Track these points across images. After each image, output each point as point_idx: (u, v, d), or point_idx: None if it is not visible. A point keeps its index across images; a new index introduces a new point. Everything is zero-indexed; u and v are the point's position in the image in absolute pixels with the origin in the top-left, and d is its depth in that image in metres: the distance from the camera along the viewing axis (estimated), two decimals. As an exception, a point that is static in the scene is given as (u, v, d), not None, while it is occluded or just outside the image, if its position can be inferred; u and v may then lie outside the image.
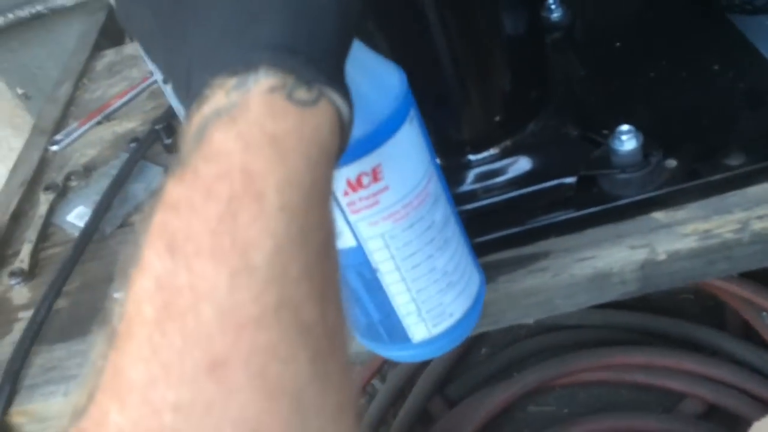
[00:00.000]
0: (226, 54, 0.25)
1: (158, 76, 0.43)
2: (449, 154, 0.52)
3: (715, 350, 0.95)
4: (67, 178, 0.72)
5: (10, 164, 0.77)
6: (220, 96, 0.24)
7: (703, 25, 0.59)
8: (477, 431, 0.94)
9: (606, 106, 0.54)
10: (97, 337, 0.22)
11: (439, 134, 0.50)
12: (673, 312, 1.03)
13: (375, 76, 0.34)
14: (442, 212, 0.39)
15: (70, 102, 0.84)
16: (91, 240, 0.63)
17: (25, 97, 1.14)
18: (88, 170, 0.73)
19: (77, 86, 0.87)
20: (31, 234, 0.66)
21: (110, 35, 0.97)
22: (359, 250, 0.37)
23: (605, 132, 0.49)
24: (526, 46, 0.52)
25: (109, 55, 0.92)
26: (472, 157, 0.52)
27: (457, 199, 0.50)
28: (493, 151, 0.52)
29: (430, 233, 0.38)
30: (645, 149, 0.48)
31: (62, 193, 0.70)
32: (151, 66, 0.44)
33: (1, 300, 0.62)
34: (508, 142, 0.52)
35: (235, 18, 0.25)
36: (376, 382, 1.06)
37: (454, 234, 0.41)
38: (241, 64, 0.24)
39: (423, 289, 0.40)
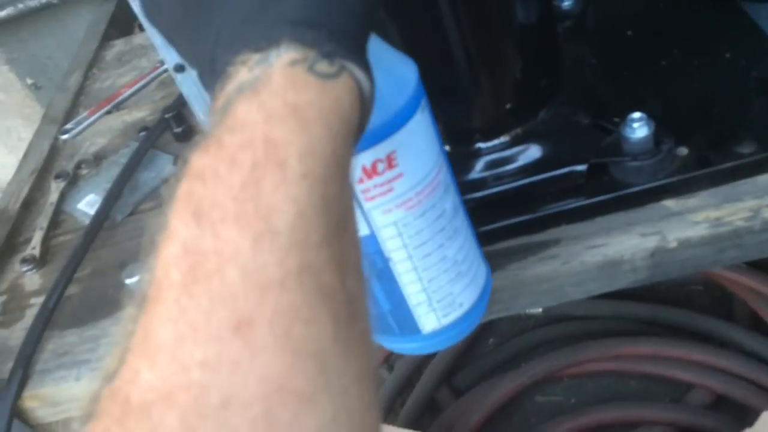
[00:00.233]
0: (250, 32, 0.25)
1: (169, 65, 0.43)
2: (459, 142, 0.52)
3: (724, 341, 0.95)
4: (78, 166, 0.72)
5: (20, 154, 0.77)
6: (243, 72, 0.24)
7: (715, 13, 0.59)
8: (484, 421, 0.94)
9: (617, 94, 0.54)
10: (127, 304, 0.22)
11: (450, 122, 0.51)
12: (681, 303, 1.03)
13: (388, 67, 0.35)
14: (451, 201, 0.39)
15: (80, 91, 0.85)
16: (102, 227, 0.63)
17: (35, 87, 1.14)
18: (98, 159, 0.73)
19: (87, 76, 0.87)
20: (42, 221, 0.66)
21: (119, 25, 0.97)
22: (372, 239, 0.38)
23: (616, 120, 0.49)
24: (538, 34, 0.52)
25: (119, 45, 0.92)
26: (482, 144, 0.52)
27: (467, 187, 0.50)
28: (503, 138, 0.52)
29: (441, 222, 0.39)
30: (656, 137, 0.48)
31: (73, 182, 0.71)
32: (161, 55, 0.44)
33: (14, 286, 0.63)
34: (518, 130, 0.52)
35: None
36: (383, 371, 1.06)
37: (462, 224, 0.41)
38: (264, 40, 0.24)
39: (434, 279, 0.40)
